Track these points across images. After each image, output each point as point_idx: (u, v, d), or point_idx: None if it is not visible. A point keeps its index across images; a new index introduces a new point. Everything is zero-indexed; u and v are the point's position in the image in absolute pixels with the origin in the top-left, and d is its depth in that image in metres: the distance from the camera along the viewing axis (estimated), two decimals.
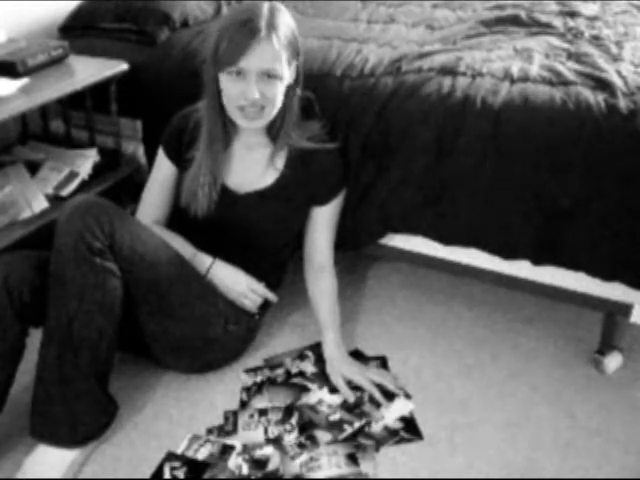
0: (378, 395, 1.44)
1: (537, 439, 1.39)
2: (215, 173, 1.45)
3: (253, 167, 1.49)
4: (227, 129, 1.44)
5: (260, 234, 1.53)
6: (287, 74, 1.36)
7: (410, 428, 1.40)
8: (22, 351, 1.33)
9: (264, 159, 1.48)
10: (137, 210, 1.59)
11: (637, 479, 1.31)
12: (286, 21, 1.35)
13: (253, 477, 1.28)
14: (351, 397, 1.44)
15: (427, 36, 1.83)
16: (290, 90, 1.41)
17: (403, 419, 1.41)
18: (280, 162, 1.47)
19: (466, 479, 1.31)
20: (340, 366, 1.48)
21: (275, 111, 1.39)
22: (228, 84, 1.34)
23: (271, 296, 1.54)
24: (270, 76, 1.33)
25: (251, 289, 1.50)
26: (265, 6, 1.33)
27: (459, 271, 1.62)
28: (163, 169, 1.56)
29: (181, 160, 1.51)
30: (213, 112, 1.41)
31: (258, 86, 1.32)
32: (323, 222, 1.55)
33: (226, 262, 1.49)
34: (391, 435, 1.37)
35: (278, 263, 1.63)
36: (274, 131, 1.45)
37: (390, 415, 1.41)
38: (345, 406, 1.43)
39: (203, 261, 1.48)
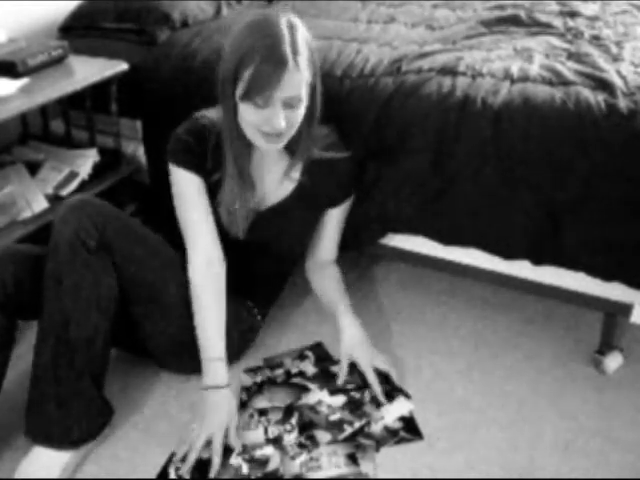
0: (379, 392, 1.42)
1: (537, 439, 1.39)
2: (248, 197, 1.41)
3: (270, 180, 1.46)
4: (249, 146, 1.38)
5: (283, 246, 1.52)
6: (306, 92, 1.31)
7: (410, 428, 1.40)
8: (11, 345, 1.33)
9: (280, 171, 1.46)
10: (193, 253, 1.39)
11: (637, 479, 1.31)
12: (306, 39, 1.29)
13: (253, 477, 1.29)
14: (343, 376, 1.44)
15: (427, 36, 1.83)
16: (309, 106, 1.35)
17: (403, 419, 1.41)
18: (296, 173, 1.46)
19: (466, 479, 1.31)
20: (350, 343, 1.46)
21: (293, 131, 1.34)
22: (250, 111, 1.27)
23: (214, 467, 1.27)
24: (295, 102, 1.28)
25: (214, 444, 1.28)
26: (284, 25, 1.25)
27: (459, 271, 1.62)
28: (192, 185, 1.40)
29: (206, 174, 1.41)
30: (235, 134, 1.33)
31: (283, 113, 1.27)
32: (332, 223, 1.55)
33: (233, 396, 1.37)
34: (391, 435, 1.37)
35: (289, 268, 1.63)
36: (293, 145, 1.40)
37: (390, 415, 1.41)
38: (347, 407, 1.42)
39: (215, 375, 1.34)
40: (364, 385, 1.46)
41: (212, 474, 1.26)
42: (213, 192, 1.42)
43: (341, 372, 1.46)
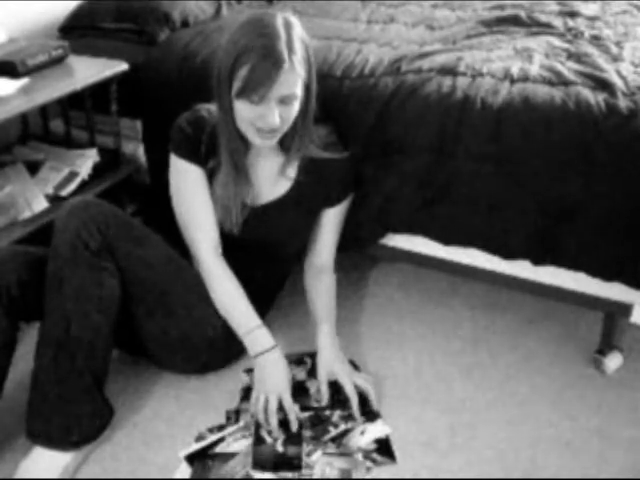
0: (355, 407, 1.40)
1: (537, 439, 1.39)
2: (243, 191, 1.42)
3: (265, 177, 1.46)
4: (245, 142, 1.39)
5: (278, 245, 1.52)
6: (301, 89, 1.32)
7: (384, 451, 1.36)
8: (14, 346, 1.33)
9: (276, 168, 1.46)
10: (200, 241, 1.43)
11: (637, 479, 1.31)
12: (302, 38, 1.30)
13: (255, 477, 1.29)
14: (325, 397, 1.42)
15: (427, 36, 1.83)
16: (303, 103, 1.35)
17: (378, 441, 1.37)
18: (292, 171, 1.46)
19: (466, 479, 1.31)
20: (330, 359, 1.45)
21: (287, 127, 1.35)
22: (244, 107, 1.28)
23: (293, 423, 1.38)
24: (289, 99, 1.29)
25: (285, 404, 1.37)
26: (280, 23, 1.26)
27: (459, 271, 1.62)
28: (194, 177, 1.43)
29: (204, 164, 1.44)
30: (230, 129, 1.35)
31: (277, 110, 1.28)
32: (330, 223, 1.54)
33: (280, 354, 1.42)
34: (363, 456, 1.34)
35: (287, 268, 1.63)
36: (287, 142, 1.41)
37: (366, 436, 1.38)
38: (310, 420, 1.40)
39: (261, 342, 1.41)
40: (333, 406, 1.43)
41: (294, 429, 1.36)
42: (208, 182, 1.44)
43: (322, 392, 1.43)
